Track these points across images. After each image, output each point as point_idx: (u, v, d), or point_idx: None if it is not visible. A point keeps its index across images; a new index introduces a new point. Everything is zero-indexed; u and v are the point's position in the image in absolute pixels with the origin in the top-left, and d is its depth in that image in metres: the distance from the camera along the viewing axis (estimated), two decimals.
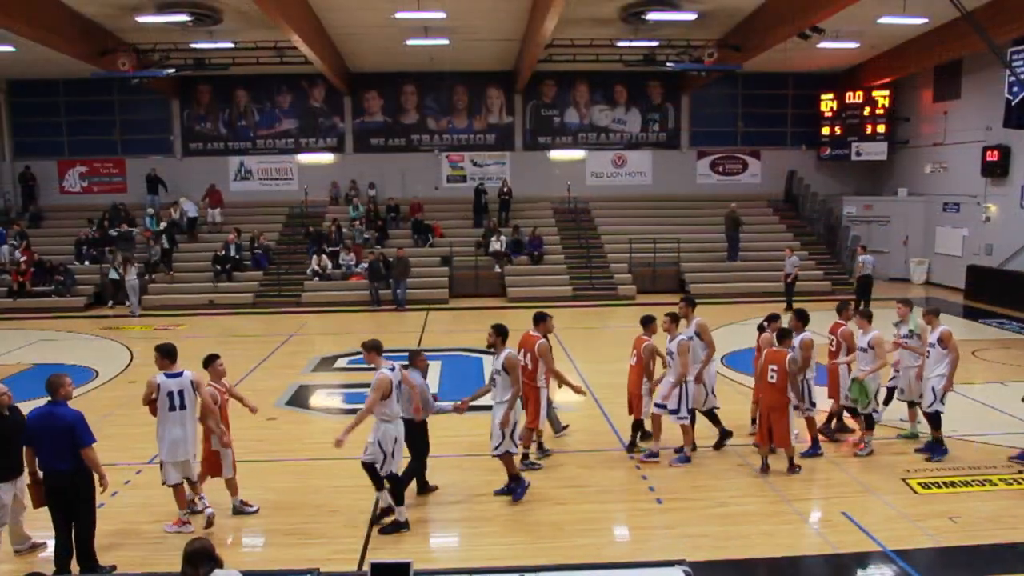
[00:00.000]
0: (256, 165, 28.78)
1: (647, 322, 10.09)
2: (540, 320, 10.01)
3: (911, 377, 10.34)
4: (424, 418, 8.65)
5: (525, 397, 9.56)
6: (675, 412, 9.71)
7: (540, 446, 10.18)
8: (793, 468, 9.43)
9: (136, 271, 22.71)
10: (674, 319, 9.82)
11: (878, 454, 10.03)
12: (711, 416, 10.33)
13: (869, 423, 10.15)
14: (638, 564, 5.51)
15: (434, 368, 15.10)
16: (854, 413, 10.32)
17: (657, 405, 9.78)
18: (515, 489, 8.77)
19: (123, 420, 11.30)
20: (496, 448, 8.68)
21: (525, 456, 9.79)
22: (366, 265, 23.92)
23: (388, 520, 8.10)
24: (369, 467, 8.05)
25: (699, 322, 10.21)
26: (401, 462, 8.17)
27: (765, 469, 9.44)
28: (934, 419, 9.89)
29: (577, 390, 10.40)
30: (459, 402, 9.04)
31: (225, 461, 8.27)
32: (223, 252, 24.40)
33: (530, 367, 9.56)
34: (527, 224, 26.59)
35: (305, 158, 28.79)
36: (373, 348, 8.25)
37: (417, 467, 8.80)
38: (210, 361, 8.45)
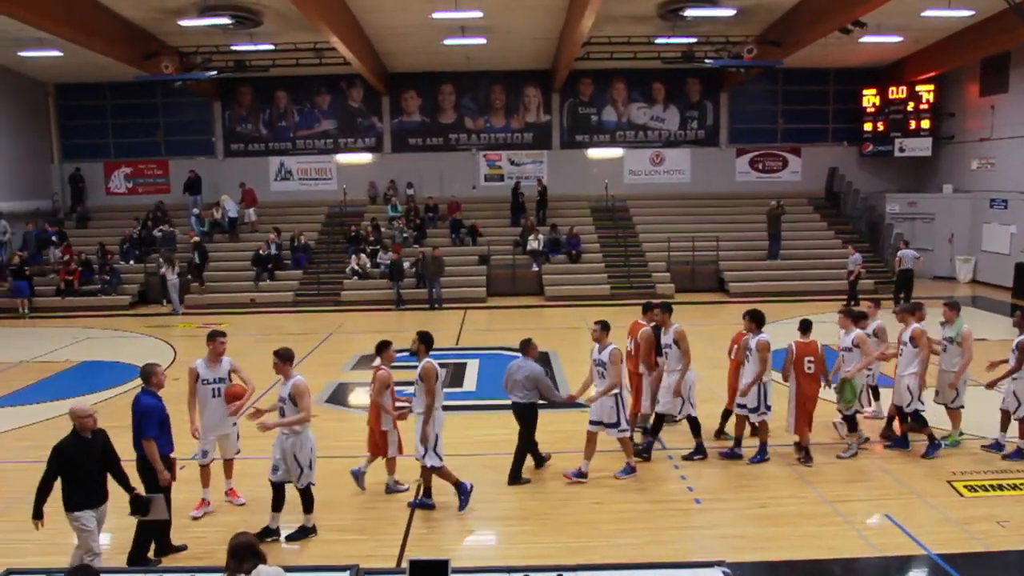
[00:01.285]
0: (296, 165, 29.12)
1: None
2: (648, 309, 10.46)
3: (946, 382, 10.09)
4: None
5: (630, 383, 10.19)
6: (614, 426, 9.19)
7: (644, 431, 10.36)
8: (802, 454, 9.71)
9: (178, 270, 23.11)
10: (604, 327, 9.31)
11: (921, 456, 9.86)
12: (692, 424, 10.01)
13: (852, 425, 9.99)
14: (677, 564, 5.48)
15: (471, 366, 15.24)
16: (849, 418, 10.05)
17: (592, 422, 9.28)
18: (424, 502, 8.58)
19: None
20: (422, 457, 8.43)
21: (642, 438, 10.23)
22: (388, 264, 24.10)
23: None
24: (279, 487, 7.89)
25: (677, 329, 9.84)
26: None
27: (808, 458, 9.68)
28: (917, 418, 9.93)
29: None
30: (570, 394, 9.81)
31: (392, 440, 8.89)
32: (265, 252, 24.70)
33: (633, 353, 10.22)
34: (565, 223, 26.55)
35: (344, 158, 29.04)
36: (287, 358, 7.95)
37: (531, 446, 9.38)
38: (384, 347, 8.99)
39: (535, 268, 25.06)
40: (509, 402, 9.28)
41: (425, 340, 8.60)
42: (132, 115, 28.53)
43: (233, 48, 23.43)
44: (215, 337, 8.68)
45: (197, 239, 25.09)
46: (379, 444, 8.96)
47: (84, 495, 6.57)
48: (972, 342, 9.97)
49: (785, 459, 9.85)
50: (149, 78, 23.41)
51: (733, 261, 25.30)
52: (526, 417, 9.22)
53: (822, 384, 9.87)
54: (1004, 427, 9.89)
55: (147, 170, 29.12)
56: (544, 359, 15.34)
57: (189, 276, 24.14)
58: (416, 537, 7.93)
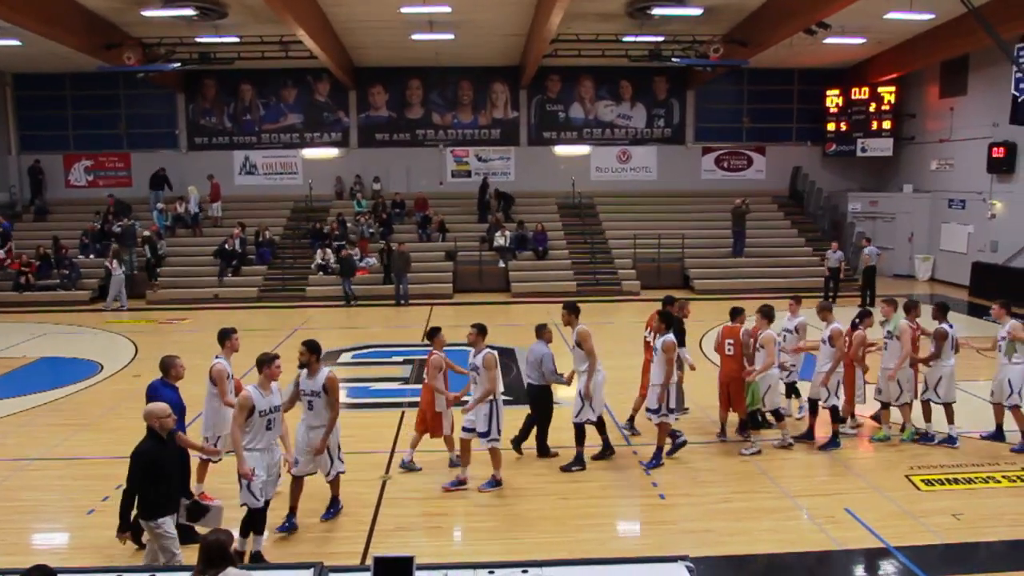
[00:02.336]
0: (261, 159, 28.80)
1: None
2: (670, 303, 10.75)
3: (886, 378, 10.22)
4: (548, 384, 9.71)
5: (643, 373, 10.36)
6: (484, 435, 8.79)
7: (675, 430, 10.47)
8: (745, 433, 10.15)
9: (124, 268, 22.71)
10: (481, 331, 9.01)
11: (882, 451, 10.05)
12: (598, 426, 9.78)
13: (755, 423, 10.07)
14: (640, 559, 5.50)
15: None
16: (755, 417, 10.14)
17: (465, 429, 8.94)
18: (333, 510, 8.23)
19: (129, 413, 11.27)
20: (328, 474, 8.07)
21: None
22: (372, 260, 23.93)
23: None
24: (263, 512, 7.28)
25: (580, 330, 9.50)
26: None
27: (722, 433, 10.43)
28: (833, 413, 10.11)
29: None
30: (568, 373, 9.81)
31: (446, 421, 9.33)
32: (230, 247, 24.40)
33: (653, 344, 10.22)
34: (532, 219, 26.58)
35: (310, 153, 28.80)
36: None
37: (544, 429, 9.81)
38: (435, 333, 9.53)
39: (502, 264, 25.07)
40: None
41: (315, 350, 8.03)
42: (93, 107, 28.01)
43: (197, 40, 23.09)
44: (231, 335, 8.60)
45: (147, 234, 24.57)
46: (431, 425, 9.34)
47: (166, 501, 6.29)
48: (909, 337, 10.08)
49: (748, 456, 9.95)
50: (111, 69, 23.00)
51: (698, 258, 25.52)
52: (538, 399, 9.73)
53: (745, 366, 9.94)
54: (950, 419, 10.10)
55: (108, 163, 28.60)
56: (509, 355, 15.37)
57: (156, 272, 23.79)
58: (381, 534, 7.90)
